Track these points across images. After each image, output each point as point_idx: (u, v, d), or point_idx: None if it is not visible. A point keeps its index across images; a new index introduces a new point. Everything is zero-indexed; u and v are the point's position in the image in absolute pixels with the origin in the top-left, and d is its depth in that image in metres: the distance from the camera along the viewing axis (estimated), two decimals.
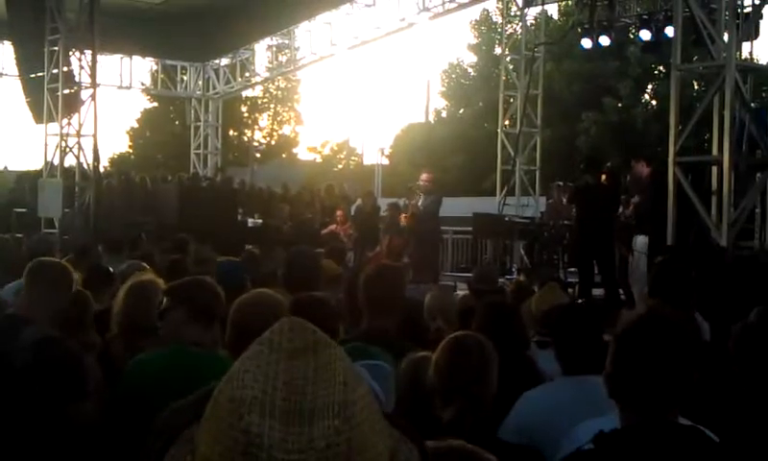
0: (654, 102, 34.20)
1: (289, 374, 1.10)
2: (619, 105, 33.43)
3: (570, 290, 11.34)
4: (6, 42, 20.11)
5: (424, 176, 14.71)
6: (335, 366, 1.13)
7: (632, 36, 21.40)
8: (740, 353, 3.83)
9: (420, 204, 14.04)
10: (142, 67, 25.97)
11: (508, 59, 20.47)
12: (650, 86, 34.92)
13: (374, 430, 1.14)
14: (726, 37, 10.49)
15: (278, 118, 46.34)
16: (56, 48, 15.77)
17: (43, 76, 16.07)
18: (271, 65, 25.77)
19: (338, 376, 1.12)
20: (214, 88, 26.02)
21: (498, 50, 29.38)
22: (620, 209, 12.44)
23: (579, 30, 17.47)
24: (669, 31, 14.34)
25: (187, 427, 1.27)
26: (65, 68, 15.83)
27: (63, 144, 16.19)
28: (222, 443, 1.10)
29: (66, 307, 4.23)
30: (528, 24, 20.72)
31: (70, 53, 15.91)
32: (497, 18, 35.27)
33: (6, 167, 26.26)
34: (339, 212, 16.90)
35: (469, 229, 16.97)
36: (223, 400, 1.12)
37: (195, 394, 1.61)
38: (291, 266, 5.44)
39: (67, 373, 3.55)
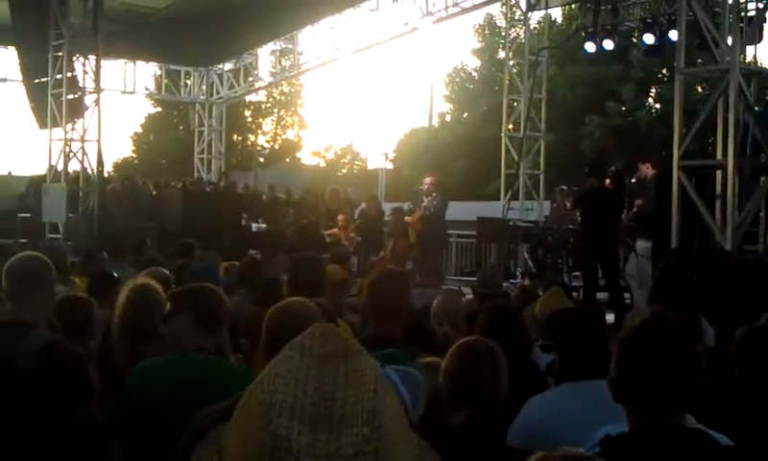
0: (657, 105, 34.14)
1: (319, 379, 1.10)
2: (623, 108, 33.41)
3: (575, 294, 11.35)
4: (10, 48, 20.18)
5: (428, 179, 14.83)
6: (366, 373, 1.12)
7: (635, 40, 21.41)
8: (743, 357, 3.81)
9: (429, 205, 14.09)
10: (146, 72, 26.02)
11: (511, 63, 20.45)
12: (654, 90, 34.86)
13: (402, 440, 1.14)
14: (730, 41, 10.50)
15: (282, 123, 46.38)
16: (60, 53, 15.80)
17: (47, 81, 16.10)
18: (274, 70, 25.78)
19: (368, 383, 1.11)
20: (218, 93, 26.07)
21: (502, 54, 29.34)
22: (624, 213, 12.44)
23: (582, 34, 17.45)
24: (673, 34, 14.33)
25: (214, 428, 1.27)
26: (69, 73, 15.84)
27: (67, 149, 16.18)
28: (249, 445, 1.09)
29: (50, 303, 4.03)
30: (532, 28, 20.68)
31: (74, 58, 15.92)
32: (501, 22, 35.28)
33: (10, 172, 26.20)
34: (341, 217, 16.84)
35: (474, 233, 16.98)
36: (252, 403, 1.11)
37: (228, 400, 1.60)
38: (296, 272, 5.44)
39: (74, 376, 3.55)
